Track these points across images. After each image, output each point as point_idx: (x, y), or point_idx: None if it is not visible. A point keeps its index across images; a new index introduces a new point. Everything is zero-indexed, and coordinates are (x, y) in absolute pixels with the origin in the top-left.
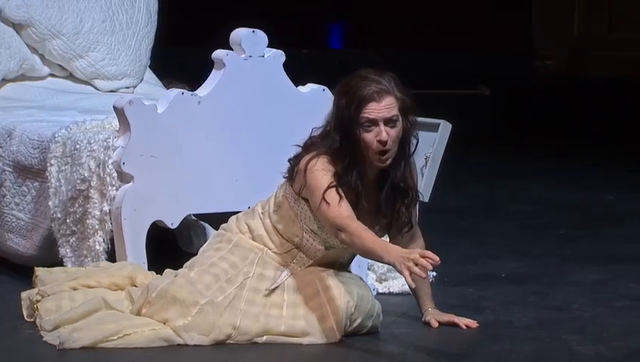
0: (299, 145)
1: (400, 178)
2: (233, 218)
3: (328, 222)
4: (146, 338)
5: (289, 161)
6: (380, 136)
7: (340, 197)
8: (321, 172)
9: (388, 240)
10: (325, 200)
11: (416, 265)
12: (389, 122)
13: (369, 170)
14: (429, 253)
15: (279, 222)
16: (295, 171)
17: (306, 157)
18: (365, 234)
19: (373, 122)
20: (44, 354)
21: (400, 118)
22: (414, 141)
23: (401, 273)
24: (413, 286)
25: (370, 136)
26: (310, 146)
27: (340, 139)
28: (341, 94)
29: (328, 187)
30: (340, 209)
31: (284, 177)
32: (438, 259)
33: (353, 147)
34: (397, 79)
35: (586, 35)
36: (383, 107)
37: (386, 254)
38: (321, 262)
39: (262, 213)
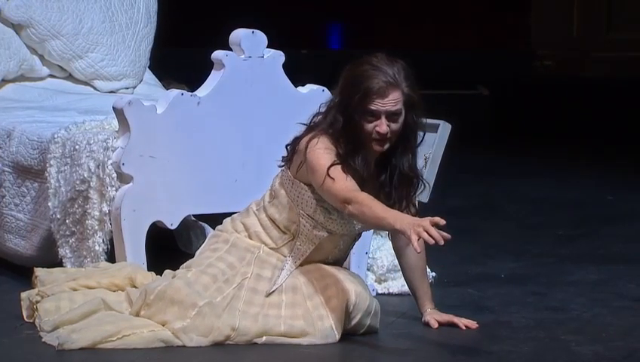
0: (303, 124)
1: (408, 168)
2: (228, 219)
3: (334, 197)
4: (144, 340)
5: (286, 146)
6: (380, 128)
7: (346, 174)
8: (323, 150)
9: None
10: (330, 175)
11: (427, 233)
12: (392, 115)
13: (369, 155)
14: (438, 219)
15: (275, 211)
16: (294, 152)
17: (307, 137)
18: (375, 203)
19: (376, 114)
20: (43, 354)
21: (403, 112)
22: (421, 133)
23: (409, 238)
24: (419, 250)
25: (370, 127)
26: (314, 127)
27: (343, 122)
28: (349, 79)
29: (332, 164)
30: (347, 183)
31: (279, 166)
32: (444, 222)
33: (354, 132)
34: (407, 70)
35: (585, 35)
36: (388, 101)
37: (398, 221)
38: (317, 250)
39: (256, 210)
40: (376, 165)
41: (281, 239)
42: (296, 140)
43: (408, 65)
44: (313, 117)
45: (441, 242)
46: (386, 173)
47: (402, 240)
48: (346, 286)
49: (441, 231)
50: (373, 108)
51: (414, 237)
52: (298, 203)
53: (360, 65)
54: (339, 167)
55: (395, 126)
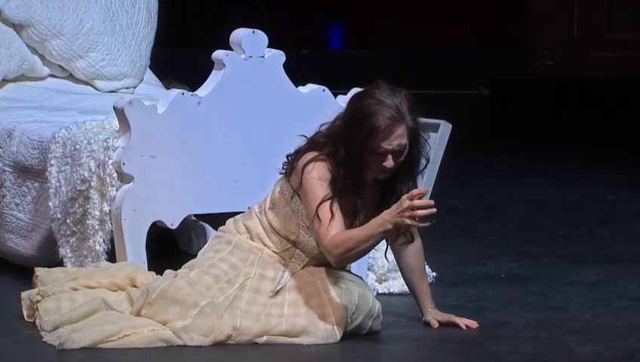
0: (304, 136)
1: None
2: (230, 220)
3: (318, 240)
4: (145, 339)
5: (287, 156)
6: (387, 163)
7: (332, 214)
8: (317, 181)
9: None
10: (318, 215)
11: (415, 211)
12: (397, 152)
13: (368, 175)
14: (415, 191)
15: (275, 219)
16: (293, 167)
17: (306, 158)
18: (352, 233)
19: (381, 152)
20: (43, 354)
21: (408, 145)
22: (424, 161)
23: (409, 226)
24: (425, 224)
25: (376, 162)
26: (315, 143)
27: (345, 155)
28: (354, 113)
29: (322, 201)
30: (329, 230)
31: (280, 173)
32: (423, 190)
33: (356, 165)
34: (410, 100)
35: (585, 35)
36: (394, 138)
37: (385, 224)
38: (318, 258)
39: (259, 213)
40: (374, 185)
41: (282, 244)
42: (298, 154)
43: (410, 95)
44: (315, 134)
45: (432, 203)
46: (384, 197)
47: (400, 242)
48: (350, 287)
49: (420, 191)
50: (380, 149)
51: (413, 222)
52: (298, 214)
53: (363, 98)
54: (327, 205)
55: (400, 159)
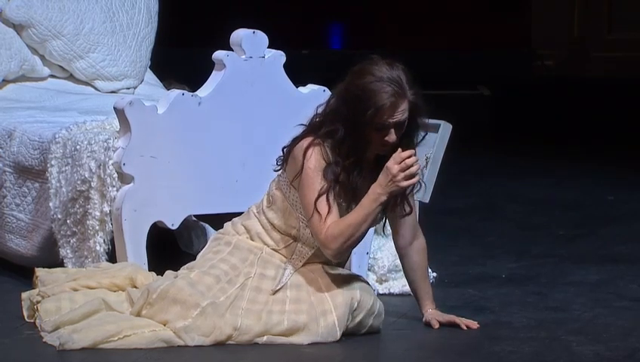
0: (304, 125)
1: None
2: (228, 223)
3: (315, 235)
4: (146, 340)
5: (283, 148)
6: (390, 138)
7: (329, 208)
8: (314, 172)
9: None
10: (317, 209)
11: (405, 172)
12: (400, 124)
13: (369, 153)
14: (404, 154)
15: (274, 217)
16: (290, 151)
17: (304, 142)
18: (348, 220)
19: (386, 127)
20: (44, 354)
21: (408, 118)
22: (422, 133)
23: (406, 187)
24: (417, 179)
25: (378, 137)
26: (312, 127)
27: (345, 133)
28: (355, 92)
29: (320, 195)
30: (325, 225)
31: (275, 170)
32: (409, 151)
33: (359, 145)
34: (407, 73)
35: (585, 35)
36: (397, 114)
37: (379, 199)
38: (319, 254)
39: (257, 213)
40: (374, 163)
41: (283, 241)
42: (294, 141)
43: (407, 68)
44: (311, 119)
45: (413, 152)
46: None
47: (404, 240)
48: (351, 284)
49: (409, 153)
50: (384, 123)
51: (410, 182)
52: (296, 207)
53: (362, 76)
54: (324, 198)
55: (401, 131)
